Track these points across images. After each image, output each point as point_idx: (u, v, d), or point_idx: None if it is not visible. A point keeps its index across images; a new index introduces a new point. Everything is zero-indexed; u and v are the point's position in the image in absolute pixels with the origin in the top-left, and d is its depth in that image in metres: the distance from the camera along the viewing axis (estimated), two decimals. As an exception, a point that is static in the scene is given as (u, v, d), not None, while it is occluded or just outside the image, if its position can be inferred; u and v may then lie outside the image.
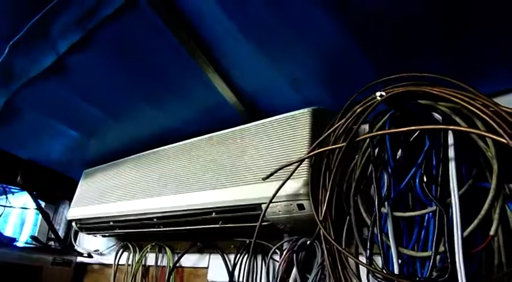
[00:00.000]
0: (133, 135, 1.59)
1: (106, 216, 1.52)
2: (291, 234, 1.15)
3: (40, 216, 2.08)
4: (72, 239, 1.98)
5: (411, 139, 0.87)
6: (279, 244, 1.14)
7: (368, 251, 0.81)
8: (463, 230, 0.69)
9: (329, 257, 0.86)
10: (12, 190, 2.12)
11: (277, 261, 1.12)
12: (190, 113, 1.38)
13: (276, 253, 1.17)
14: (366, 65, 0.99)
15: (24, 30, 1.10)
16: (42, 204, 2.14)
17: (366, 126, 0.93)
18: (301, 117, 1.08)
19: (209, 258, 1.42)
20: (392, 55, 0.98)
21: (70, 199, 1.83)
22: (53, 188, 2.13)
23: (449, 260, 0.69)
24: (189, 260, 1.47)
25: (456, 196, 0.71)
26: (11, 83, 1.26)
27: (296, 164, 0.95)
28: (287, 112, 1.14)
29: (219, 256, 1.35)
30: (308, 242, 1.06)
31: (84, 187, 1.77)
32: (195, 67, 1.11)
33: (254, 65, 1.08)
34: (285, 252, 1.10)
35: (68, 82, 1.28)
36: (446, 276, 0.68)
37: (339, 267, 0.83)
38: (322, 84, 1.11)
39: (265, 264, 1.20)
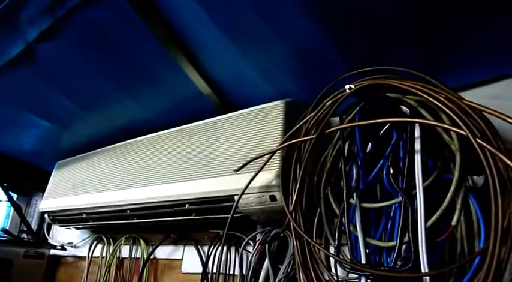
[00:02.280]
0: (107, 127, 1.56)
1: (79, 208, 1.50)
2: (265, 226, 1.16)
3: (12, 208, 2.04)
4: (45, 232, 1.94)
5: (381, 133, 0.88)
6: (251, 235, 1.15)
7: (336, 242, 0.82)
8: (426, 221, 0.71)
9: (299, 247, 0.87)
10: (-18, 182, 2.07)
11: (251, 252, 1.13)
12: (165, 104, 1.37)
13: (249, 244, 1.18)
14: (339, 59, 1.00)
15: (-9, 17, 1.06)
16: (15, 196, 2.09)
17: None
18: (274, 109, 1.09)
19: (184, 249, 1.42)
20: (366, 50, 0.99)
21: (43, 191, 1.79)
22: (25, 180, 2.08)
23: (413, 250, 0.70)
24: (163, 252, 1.46)
25: (421, 188, 0.73)
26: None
27: (268, 155, 0.96)
28: (262, 104, 1.14)
29: (193, 248, 1.35)
30: (279, 233, 1.07)
31: (57, 179, 1.74)
32: (168, 57, 1.10)
33: (227, 56, 1.07)
34: (257, 244, 1.10)
35: (38, 72, 1.25)
36: (410, 265, 0.70)
37: (308, 257, 0.84)
38: (296, 78, 1.11)
39: (238, 255, 1.20)
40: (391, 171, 0.81)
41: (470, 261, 0.66)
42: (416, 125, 0.78)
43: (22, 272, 1.70)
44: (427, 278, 0.68)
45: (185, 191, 1.15)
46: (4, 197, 1.95)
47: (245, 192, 0.99)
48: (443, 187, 0.74)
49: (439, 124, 0.66)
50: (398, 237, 0.74)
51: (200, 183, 1.13)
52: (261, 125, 1.09)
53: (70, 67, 1.23)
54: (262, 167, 0.96)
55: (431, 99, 0.65)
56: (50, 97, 1.37)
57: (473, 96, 0.98)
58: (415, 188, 0.74)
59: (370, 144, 0.89)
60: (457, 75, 0.98)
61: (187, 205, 1.16)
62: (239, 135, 1.12)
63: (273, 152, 0.95)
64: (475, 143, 0.58)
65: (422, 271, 0.68)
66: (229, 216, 1.01)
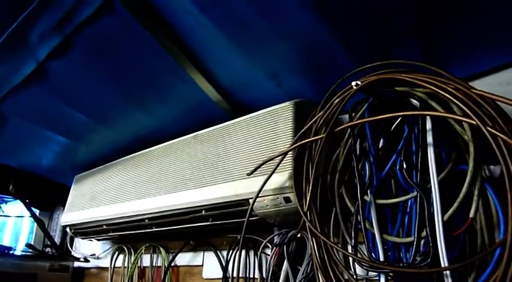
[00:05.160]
0: (122, 138, 1.58)
1: (98, 220, 1.52)
2: (281, 228, 1.15)
3: (35, 223, 2.08)
4: (69, 245, 1.98)
5: (392, 128, 0.88)
6: (269, 238, 1.15)
7: (353, 240, 0.81)
8: (443, 214, 0.70)
9: (316, 248, 0.86)
10: (5, 199, 2.12)
11: (269, 255, 1.13)
12: (176, 113, 1.38)
13: (268, 247, 1.17)
14: (345, 55, 0.99)
15: (3, 39, 1.09)
16: (37, 211, 2.13)
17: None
18: (284, 111, 1.08)
19: (203, 255, 1.42)
20: (371, 44, 0.98)
21: (64, 205, 1.82)
22: (46, 195, 2.13)
23: (431, 244, 0.69)
24: (183, 259, 1.47)
25: (435, 181, 0.72)
26: (-7, 92, 1.26)
27: (279, 157, 0.95)
28: (271, 106, 1.14)
29: (213, 253, 1.36)
30: (296, 234, 1.06)
31: (76, 192, 1.77)
32: (176, 66, 1.11)
33: (234, 62, 1.07)
34: (275, 246, 1.10)
35: (50, 88, 1.27)
36: (429, 260, 0.69)
37: (326, 257, 0.83)
38: (302, 77, 1.11)
39: (257, 259, 1.20)
40: (405, 166, 0.80)
41: (491, 253, 0.65)
42: (427, 117, 0.77)
43: (48, 285, 1.74)
44: (448, 272, 0.67)
45: (200, 198, 1.16)
46: (27, 213, 2.00)
47: (259, 195, 0.99)
48: (459, 179, 0.73)
49: (449, 115, 0.65)
50: (416, 232, 0.73)
51: (215, 189, 1.13)
52: (272, 127, 1.09)
53: (82, 82, 1.25)
54: (275, 169, 0.96)
55: (439, 91, 0.64)
56: (64, 113, 1.39)
57: (486, 84, 0.97)
58: (430, 182, 0.73)
59: (381, 140, 0.88)
60: (467, 64, 0.96)
61: (203, 211, 1.17)
62: (251, 138, 1.12)
63: (284, 154, 0.95)
64: (486, 132, 0.57)
65: (442, 265, 0.67)
66: (245, 220, 1.01)
